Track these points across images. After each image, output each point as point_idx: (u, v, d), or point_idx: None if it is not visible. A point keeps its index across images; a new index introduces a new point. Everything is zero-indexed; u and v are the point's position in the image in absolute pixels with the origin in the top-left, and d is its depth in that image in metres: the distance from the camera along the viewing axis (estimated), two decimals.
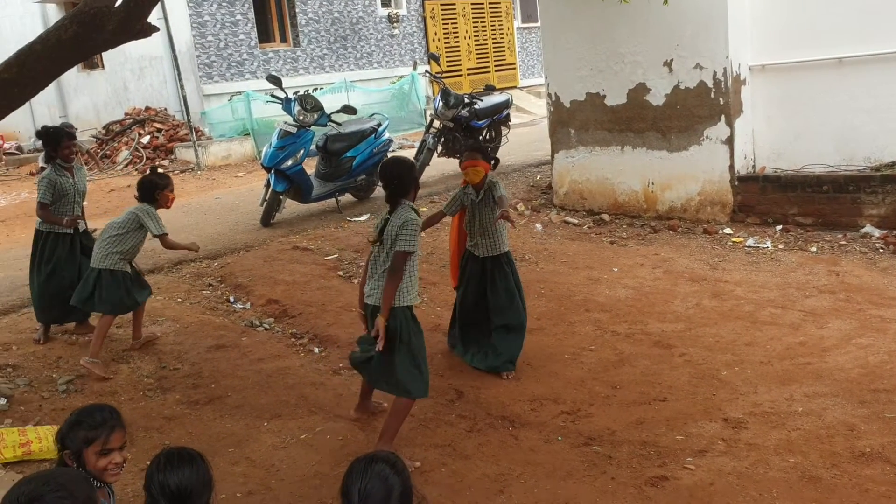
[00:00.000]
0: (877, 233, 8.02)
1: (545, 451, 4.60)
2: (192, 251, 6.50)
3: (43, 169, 9.88)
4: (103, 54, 17.06)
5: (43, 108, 18.91)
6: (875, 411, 4.71)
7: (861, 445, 4.34)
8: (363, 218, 9.96)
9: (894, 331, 5.89)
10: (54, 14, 18.01)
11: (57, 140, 6.25)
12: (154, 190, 6.03)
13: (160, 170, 9.42)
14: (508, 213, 5.42)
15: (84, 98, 18.95)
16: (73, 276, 6.30)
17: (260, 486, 4.34)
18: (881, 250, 7.72)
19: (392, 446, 4.47)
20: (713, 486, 4.08)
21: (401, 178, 4.56)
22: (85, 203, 11.12)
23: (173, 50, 15.66)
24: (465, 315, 5.91)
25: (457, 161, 12.41)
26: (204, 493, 2.54)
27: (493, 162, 5.75)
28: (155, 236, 6.00)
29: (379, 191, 11.18)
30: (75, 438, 2.74)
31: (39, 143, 15.05)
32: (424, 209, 10.32)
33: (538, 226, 9.53)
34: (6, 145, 18.87)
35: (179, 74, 15.79)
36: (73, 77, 18.42)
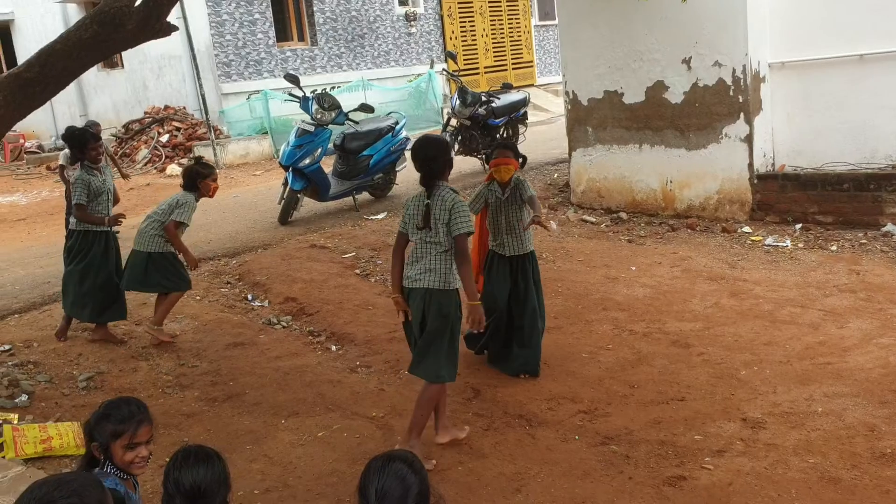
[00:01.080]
0: None
1: (562, 450, 4.59)
2: (189, 262, 6.34)
3: (62, 167, 10.02)
4: (123, 53, 17.21)
5: (63, 107, 19.09)
6: None
7: (882, 446, 4.29)
8: (380, 216, 9.98)
9: None
10: (75, 13, 18.17)
11: (83, 142, 6.30)
12: (196, 178, 6.28)
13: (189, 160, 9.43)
14: (541, 218, 5.29)
15: (104, 97, 19.11)
16: (108, 275, 6.36)
17: (277, 484, 4.36)
18: None
19: (420, 440, 4.41)
20: (731, 487, 4.06)
21: (436, 159, 4.40)
22: None
23: (192, 49, 15.76)
24: (493, 318, 5.54)
25: (475, 159, 12.44)
26: (219, 493, 2.55)
27: (521, 160, 5.61)
28: (170, 220, 6.19)
29: (396, 189, 11.21)
30: (103, 432, 2.75)
31: (60, 142, 15.14)
32: None
33: (555, 224, 9.51)
34: (27, 144, 19.07)
35: (198, 73, 15.88)
36: (93, 76, 18.57)
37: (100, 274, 6.34)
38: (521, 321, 5.60)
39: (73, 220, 6.43)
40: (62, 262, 6.30)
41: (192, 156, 16.21)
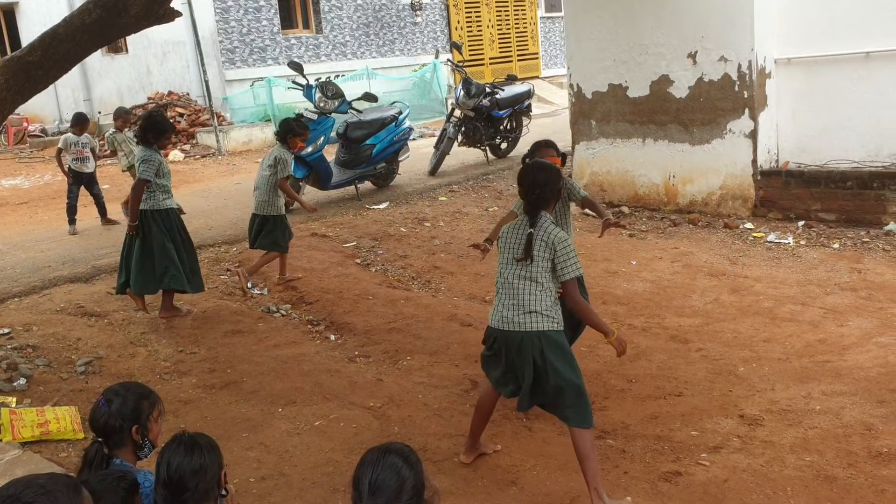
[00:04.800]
0: None
1: (558, 443, 4.58)
2: (306, 208, 7.51)
3: (60, 150, 10.10)
4: (127, 38, 17.17)
5: (67, 91, 19.06)
6: (893, 411, 4.65)
7: (878, 445, 4.29)
8: (382, 206, 9.96)
9: None
10: None
11: (164, 131, 6.51)
12: (288, 133, 7.14)
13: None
14: (615, 219, 5.04)
15: (108, 82, 19.08)
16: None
17: (273, 472, 4.36)
18: None
19: (602, 488, 3.88)
20: (727, 483, 4.05)
21: (546, 186, 3.97)
22: (106, 186, 11.19)
23: (196, 35, 15.73)
24: None
25: (478, 151, 12.41)
26: (200, 484, 2.55)
27: (563, 157, 5.22)
28: (279, 178, 7.02)
29: (399, 179, 11.19)
30: (141, 409, 2.87)
31: (64, 126, 15.14)
32: (444, 198, 10.32)
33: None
34: (31, 128, 19.05)
35: (202, 59, 15.86)
36: (98, 60, 18.55)
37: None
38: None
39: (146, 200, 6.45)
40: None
41: (194, 142, 16.19)
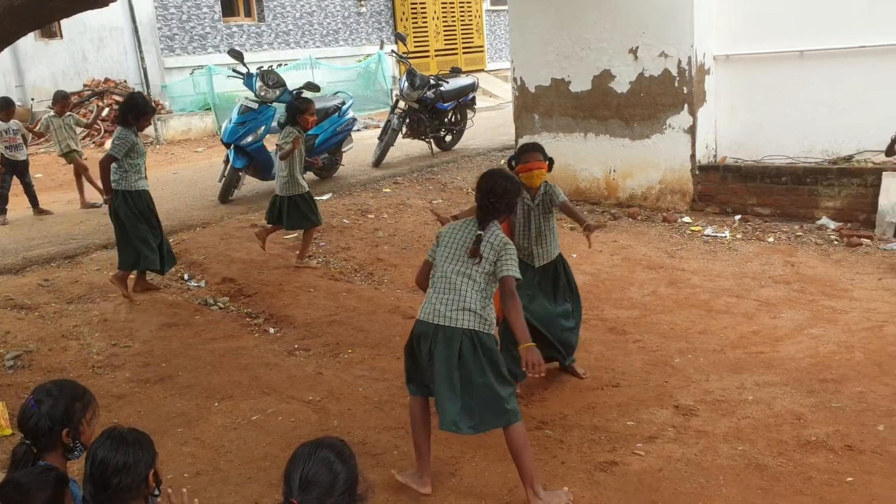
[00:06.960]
0: (832, 225, 8.14)
1: (497, 434, 4.54)
2: (286, 147, 7.18)
3: None
4: (62, 23, 16.66)
5: None
6: (822, 400, 4.79)
7: (807, 434, 4.40)
8: (325, 197, 9.85)
9: (844, 322, 5.99)
10: None
11: (144, 112, 6.62)
12: (296, 114, 7.28)
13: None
14: (594, 225, 4.96)
15: (42, 67, 18.48)
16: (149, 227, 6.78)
17: (209, 467, 4.29)
18: (835, 242, 7.84)
19: (541, 485, 3.88)
20: (661, 472, 4.11)
21: (504, 197, 3.88)
22: (39, 175, 10.83)
23: (134, 21, 15.37)
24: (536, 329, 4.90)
25: (423, 143, 12.37)
26: (121, 481, 2.50)
27: (549, 161, 5.08)
28: (279, 150, 7.30)
29: (342, 170, 11.10)
30: (73, 412, 2.77)
31: None
32: (388, 190, 10.26)
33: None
34: None
35: (140, 46, 15.51)
36: (31, 45, 17.95)
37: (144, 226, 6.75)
38: (570, 322, 5.24)
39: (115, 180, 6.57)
40: None
41: None
